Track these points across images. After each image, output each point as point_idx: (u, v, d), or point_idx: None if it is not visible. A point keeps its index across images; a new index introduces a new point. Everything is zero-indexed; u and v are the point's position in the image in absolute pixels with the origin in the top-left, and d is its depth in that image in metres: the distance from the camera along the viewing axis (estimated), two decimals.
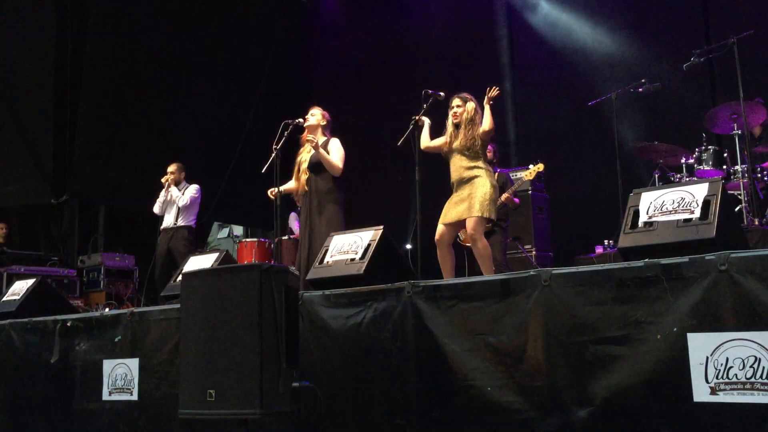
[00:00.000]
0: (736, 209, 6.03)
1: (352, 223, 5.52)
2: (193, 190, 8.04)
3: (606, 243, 7.17)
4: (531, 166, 6.94)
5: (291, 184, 6.03)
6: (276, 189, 5.69)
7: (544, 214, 7.96)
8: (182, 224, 7.91)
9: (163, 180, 7.98)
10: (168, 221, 7.91)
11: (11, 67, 9.89)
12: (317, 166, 5.79)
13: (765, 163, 6.56)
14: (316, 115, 5.98)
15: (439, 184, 9.27)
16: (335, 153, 5.81)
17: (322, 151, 5.73)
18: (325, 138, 5.96)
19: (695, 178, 6.40)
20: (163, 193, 7.97)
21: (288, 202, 6.82)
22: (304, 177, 5.84)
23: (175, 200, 7.89)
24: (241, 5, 11.53)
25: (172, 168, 8.10)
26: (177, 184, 7.99)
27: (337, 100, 10.81)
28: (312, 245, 5.57)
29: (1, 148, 9.87)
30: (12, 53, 9.88)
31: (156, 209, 8.02)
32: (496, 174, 7.18)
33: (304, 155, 5.93)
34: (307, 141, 5.78)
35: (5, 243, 9.78)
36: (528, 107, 10.05)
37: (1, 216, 10.15)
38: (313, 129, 5.95)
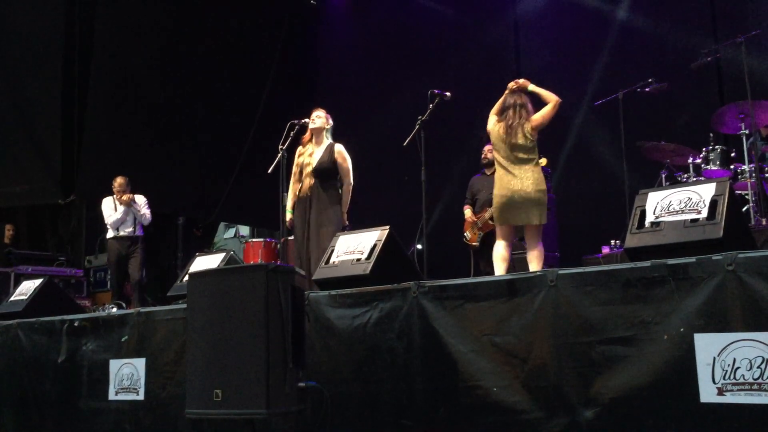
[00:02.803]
0: (744, 209, 6.01)
1: (362, 223, 5.51)
2: (145, 203, 8.34)
3: (613, 243, 7.15)
4: None
5: (292, 190, 6.02)
6: (290, 215, 5.88)
7: (551, 214, 7.91)
8: (140, 234, 8.31)
9: (125, 198, 8.12)
10: (126, 231, 8.18)
11: (19, 68, 9.93)
12: (322, 172, 5.81)
13: None
14: (321, 118, 5.98)
15: (445, 184, 9.28)
16: (345, 166, 5.87)
17: (344, 204, 5.85)
18: (329, 141, 5.97)
19: (702, 178, 6.37)
20: (121, 209, 8.15)
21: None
22: (308, 180, 5.83)
23: (140, 220, 8.24)
24: (249, 5, 11.55)
25: (122, 184, 8.23)
26: None
27: (344, 100, 10.84)
28: (317, 248, 5.57)
29: (9, 149, 9.91)
30: (20, 55, 9.92)
31: (113, 225, 8.17)
32: None
33: (306, 158, 5.92)
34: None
35: (13, 243, 9.82)
36: (535, 107, 10.01)
37: (9, 216, 10.20)
38: (318, 131, 5.96)
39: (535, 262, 5.17)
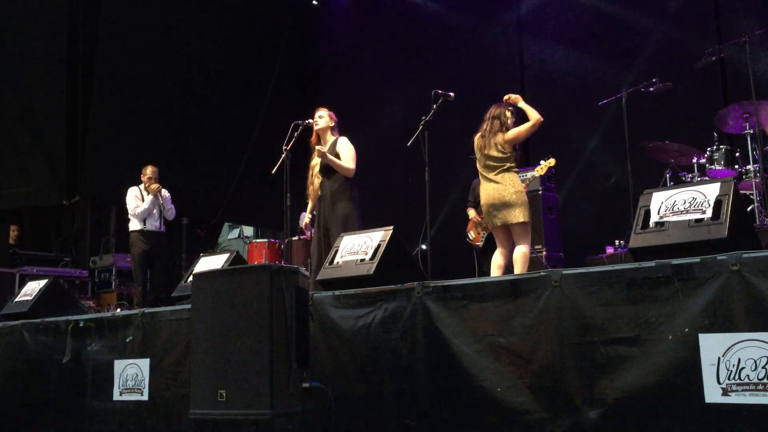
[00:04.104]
0: (749, 209, 6.00)
1: (367, 223, 5.52)
2: (170, 199, 8.16)
3: (617, 243, 7.14)
4: (542, 162, 6.90)
5: (311, 198, 6.04)
6: (306, 222, 5.84)
7: (555, 214, 7.92)
8: (164, 230, 8.13)
9: (154, 186, 7.94)
10: (152, 225, 7.96)
11: (23, 68, 9.96)
12: (328, 168, 5.80)
13: None
14: (324, 117, 5.98)
15: (449, 184, 9.27)
16: (345, 153, 5.80)
17: (331, 158, 5.74)
18: (335, 138, 5.97)
19: (707, 178, 6.36)
20: (150, 200, 7.94)
21: (298, 202, 6.83)
22: (317, 181, 5.85)
23: (165, 215, 8.03)
24: (252, 6, 11.57)
25: (155, 173, 8.04)
26: None
27: (347, 101, 10.85)
28: (329, 246, 5.57)
29: (14, 149, 9.94)
30: (24, 55, 9.95)
31: (141, 216, 7.93)
32: None
33: (316, 159, 5.94)
34: (317, 150, 5.76)
35: (17, 244, 9.84)
36: (538, 107, 10.00)
37: (14, 217, 10.22)
38: (323, 131, 5.96)
39: (519, 263, 5.23)
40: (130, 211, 7.99)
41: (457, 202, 8.60)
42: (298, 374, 3.34)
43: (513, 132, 5.39)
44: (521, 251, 5.27)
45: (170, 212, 8.11)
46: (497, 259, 5.45)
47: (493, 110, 5.49)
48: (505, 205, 5.29)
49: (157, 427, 4.45)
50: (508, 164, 5.38)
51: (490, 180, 5.40)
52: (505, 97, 5.53)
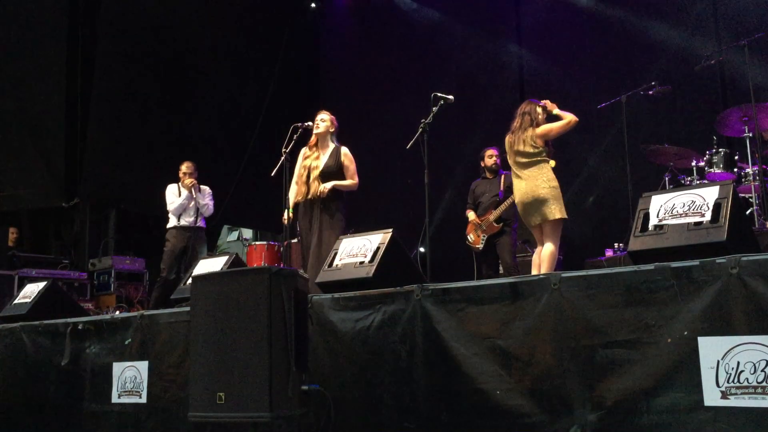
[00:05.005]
0: (748, 212, 6.00)
1: (366, 225, 5.51)
2: (210, 195, 8.06)
3: (616, 246, 7.14)
4: None
5: (293, 191, 5.99)
6: (288, 213, 5.78)
7: None
8: (200, 225, 7.99)
9: (188, 181, 7.86)
10: (187, 220, 7.85)
11: (23, 70, 9.96)
12: (329, 176, 5.79)
13: None
14: (326, 122, 5.96)
15: (448, 187, 9.27)
16: (350, 167, 5.86)
17: (341, 184, 5.77)
18: (335, 145, 5.96)
19: (706, 181, 6.36)
20: (185, 195, 7.86)
21: (298, 204, 6.82)
22: (315, 184, 5.83)
23: (201, 210, 7.88)
24: (251, 9, 11.59)
25: (189, 168, 7.96)
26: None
27: (346, 104, 10.86)
28: (320, 251, 5.57)
29: (13, 151, 9.94)
30: (24, 55, 9.95)
31: (176, 212, 7.84)
32: (503, 176, 7.16)
33: (313, 161, 5.90)
34: (320, 192, 5.73)
35: (16, 246, 9.83)
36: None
37: (13, 219, 10.21)
38: (322, 136, 5.94)
39: (545, 262, 5.19)
40: (167, 208, 7.92)
41: (455, 205, 8.61)
42: (296, 377, 3.33)
43: (545, 127, 5.37)
44: (549, 250, 5.21)
45: (206, 208, 7.97)
46: (537, 260, 5.38)
47: (524, 107, 5.49)
48: (539, 202, 5.24)
49: (155, 429, 4.44)
50: (541, 158, 5.33)
51: (522, 177, 5.35)
52: (542, 102, 5.53)
